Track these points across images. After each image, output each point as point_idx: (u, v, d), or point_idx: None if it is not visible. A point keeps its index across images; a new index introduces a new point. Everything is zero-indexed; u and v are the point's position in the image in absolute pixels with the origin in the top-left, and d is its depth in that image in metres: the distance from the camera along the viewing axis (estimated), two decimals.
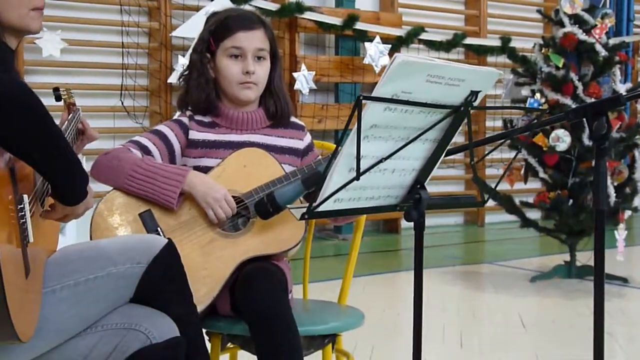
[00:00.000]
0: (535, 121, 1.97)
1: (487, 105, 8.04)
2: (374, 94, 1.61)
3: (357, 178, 1.66)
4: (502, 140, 1.96)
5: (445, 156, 1.89)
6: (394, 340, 4.28)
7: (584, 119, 1.95)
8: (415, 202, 1.81)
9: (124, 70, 6.75)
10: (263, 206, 2.22)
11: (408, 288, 5.55)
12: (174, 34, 6.80)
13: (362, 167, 1.66)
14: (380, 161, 1.71)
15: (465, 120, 1.80)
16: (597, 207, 1.94)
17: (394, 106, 1.65)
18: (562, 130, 5.46)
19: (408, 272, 6.11)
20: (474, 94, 1.74)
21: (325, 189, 1.68)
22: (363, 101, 1.61)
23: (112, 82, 6.74)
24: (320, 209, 1.69)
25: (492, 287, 5.66)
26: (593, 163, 5.71)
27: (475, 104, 1.76)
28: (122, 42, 6.73)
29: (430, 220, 8.68)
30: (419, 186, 1.83)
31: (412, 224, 1.80)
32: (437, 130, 1.78)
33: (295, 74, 7.13)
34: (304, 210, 1.69)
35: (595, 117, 1.93)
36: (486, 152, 1.96)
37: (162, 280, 2.06)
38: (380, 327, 4.39)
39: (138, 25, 6.83)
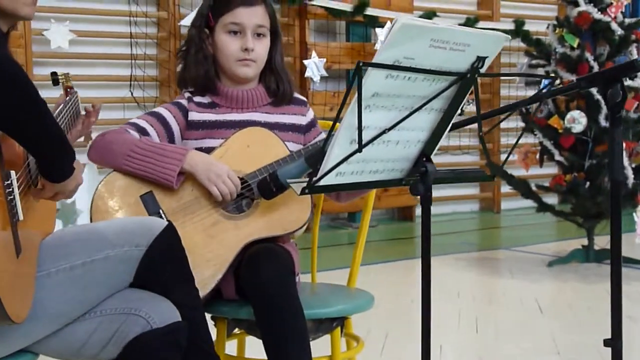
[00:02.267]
0: (545, 91, 1.88)
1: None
2: (374, 60, 1.54)
3: (359, 150, 1.59)
4: (509, 113, 1.88)
5: (451, 129, 1.81)
6: (407, 327, 4.21)
7: (597, 90, 1.88)
8: (421, 175, 1.74)
9: (133, 61, 6.70)
10: (266, 185, 2.16)
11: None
12: (182, 23, 6.73)
13: (365, 139, 1.59)
14: (384, 132, 1.63)
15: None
16: (612, 177, 1.86)
17: (396, 73, 1.57)
18: (578, 111, 5.37)
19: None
20: (481, 59, 1.66)
21: (326, 162, 1.60)
22: (363, 68, 1.53)
23: (121, 73, 6.69)
24: (322, 183, 1.62)
25: (509, 272, 5.58)
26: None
27: (483, 70, 1.68)
28: (131, 33, 6.68)
29: (446, 207, 8.63)
30: (425, 159, 1.76)
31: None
32: (443, 99, 1.70)
33: (305, 62, 7.06)
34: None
35: (609, 84, 1.84)
36: (495, 124, 1.89)
37: (162, 264, 1.99)
38: (394, 313, 4.33)
39: (146, 15, 6.77)
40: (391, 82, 1.59)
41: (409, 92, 1.63)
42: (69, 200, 5.60)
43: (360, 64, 1.52)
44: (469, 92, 1.72)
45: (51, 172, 1.83)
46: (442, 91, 1.66)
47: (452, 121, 1.78)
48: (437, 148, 1.78)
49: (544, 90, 2.04)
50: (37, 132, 1.73)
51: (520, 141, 6.78)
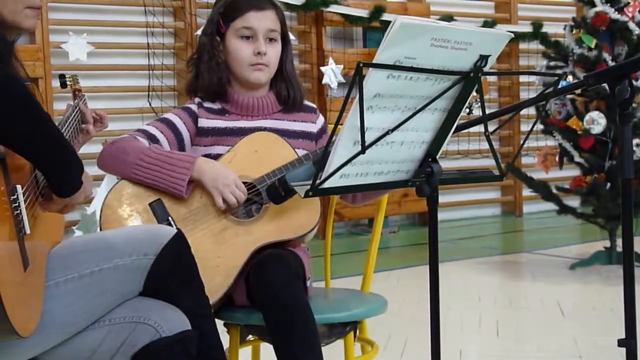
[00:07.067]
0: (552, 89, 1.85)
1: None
2: (374, 61, 1.53)
3: (362, 152, 1.57)
4: (514, 112, 1.86)
5: (456, 130, 1.79)
6: (427, 332, 4.18)
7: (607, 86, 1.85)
8: (427, 176, 1.73)
9: (151, 72, 6.72)
10: (275, 190, 2.15)
11: (443, 280, 5.42)
12: (199, 32, 6.74)
13: (368, 140, 1.58)
14: (387, 133, 1.62)
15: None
16: (623, 176, 1.83)
17: (397, 73, 1.56)
18: (597, 112, 5.32)
19: (442, 264, 5.97)
20: (484, 58, 1.64)
21: (329, 164, 1.59)
22: (364, 69, 1.52)
23: (139, 84, 6.72)
24: (326, 185, 1.61)
25: (531, 275, 5.53)
26: None
27: (486, 69, 1.66)
28: (148, 43, 6.70)
29: (468, 211, 8.57)
30: (430, 159, 1.74)
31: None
32: (447, 99, 1.68)
33: (323, 68, 7.05)
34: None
35: (617, 81, 1.82)
36: (501, 124, 1.87)
37: (171, 272, 1.98)
38: (415, 319, 4.29)
39: (163, 26, 6.80)
40: (393, 83, 1.58)
41: (411, 92, 1.62)
42: (89, 211, 5.62)
43: (360, 65, 1.51)
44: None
45: (61, 187, 1.83)
46: (446, 91, 1.65)
47: (458, 121, 1.76)
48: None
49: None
50: (43, 148, 1.73)
51: (539, 144, 6.67)
